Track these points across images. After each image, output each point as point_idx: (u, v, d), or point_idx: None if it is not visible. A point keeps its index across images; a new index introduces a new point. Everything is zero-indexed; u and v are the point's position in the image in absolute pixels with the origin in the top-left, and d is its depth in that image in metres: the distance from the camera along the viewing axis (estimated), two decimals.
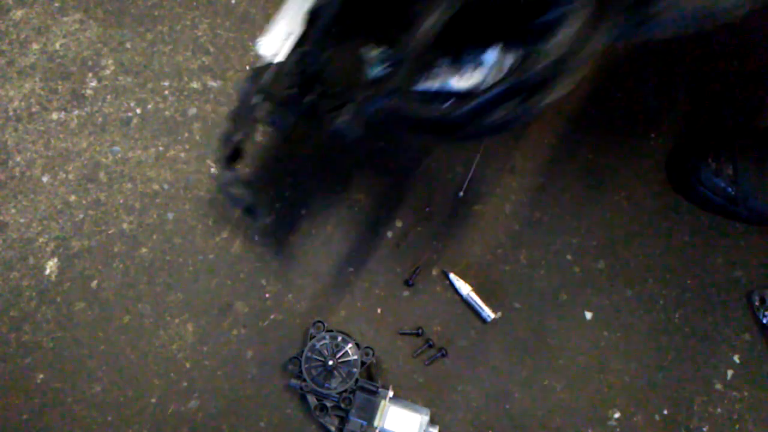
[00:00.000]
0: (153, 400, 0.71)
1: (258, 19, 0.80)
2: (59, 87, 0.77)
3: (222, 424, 0.71)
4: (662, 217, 0.78)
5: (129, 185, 0.75)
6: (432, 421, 0.70)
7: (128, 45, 0.79)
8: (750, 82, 0.82)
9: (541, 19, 0.45)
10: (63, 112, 0.76)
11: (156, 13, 0.80)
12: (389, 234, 0.76)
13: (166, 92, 0.78)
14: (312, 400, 0.69)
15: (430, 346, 0.74)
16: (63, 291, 0.73)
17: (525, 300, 0.75)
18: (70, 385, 0.71)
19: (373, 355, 0.70)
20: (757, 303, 0.75)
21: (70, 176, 0.75)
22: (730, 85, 0.82)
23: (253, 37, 0.80)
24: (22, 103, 0.76)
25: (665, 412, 0.74)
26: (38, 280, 0.73)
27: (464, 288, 0.74)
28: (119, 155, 0.76)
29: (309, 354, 0.69)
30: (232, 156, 0.60)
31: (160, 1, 0.80)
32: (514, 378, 0.74)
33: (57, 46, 0.78)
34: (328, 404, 0.69)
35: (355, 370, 0.68)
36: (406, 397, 0.72)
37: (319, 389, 0.68)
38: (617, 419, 0.74)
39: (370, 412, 0.68)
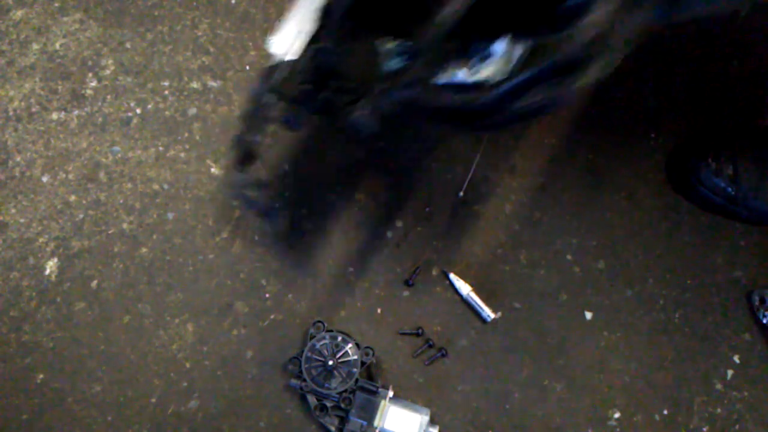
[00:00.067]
0: (153, 400, 0.71)
1: (258, 19, 0.80)
2: (59, 87, 0.77)
3: (222, 424, 0.71)
4: (662, 217, 0.78)
5: (129, 185, 0.75)
6: (432, 421, 0.70)
7: (128, 45, 0.79)
8: (750, 82, 0.82)
9: (571, 1, 0.44)
10: (63, 112, 0.76)
11: (156, 13, 0.80)
12: (389, 234, 0.76)
13: (166, 92, 0.78)
14: (312, 400, 0.69)
15: (430, 346, 0.74)
16: (63, 291, 0.73)
17: (525, 300, 0.75)
18: (70, 385, 0.71)
19: (373, 355, 0.70)
20: (757, 303, 0.75)
21: (70, 176, 0.75)
22: (730, 85, 0.82)
23: (253, 37, 0.80)
24: (22, 103, 0.76)
25: (665, 412, 0.74)
26: (38, 280, 0.73)
27: (464, 288, 0.74)
28: (119, 155, 0.76)
29: (309, 354, 0.69)
30: (245, 158, 0.59)
31: (160, 1, 0.80)
32: (514, 378, 0.74)
33: (57, 46, 0.78)
34: (328, 404, 0.69)
35: (355, 370, 0.68)
36: (406, 397, 0.72)
37: (319, 389, 0.68)
38: (617, 419, 0.74)
39: (370, 412, 0.68)
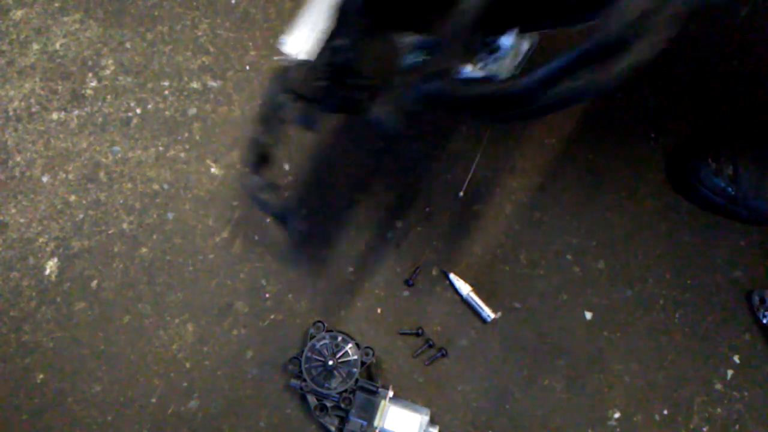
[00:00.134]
0: (153, 400, 0.71)
1: (258, 19, 0.80)
2: (59, 87, 0.77)
3: (222, 424, 0.71)
4: (662, 217, 0.78)
5: (129, 185, 0.75)
6: (432, 421, 0.70)
7: (128, 45, 0.79)
8: (750, 82, 0.82)
9: None
10: (63, 112, 0.76)
11: (156, 13, 0.80)
12: (389, 234, 0.76)
13: (166, 92, 0.78)
14: (312, 400, 0.69)
15: (430, 346, 0.74)
16: (63, 291, 0.73)
17: (525, 300, 0.75)
18: (70, 385, 0.71)
19: (373, 355, 0.70)
20: (757, 303, 0.75)
21: (70, 176, 0.75)
22: (730, 85, 0.82)
23: (253, 37, 0.80)
24: (22, 103, 0.76)
25: (665, 412, 0.74)
26: (38, 280, 0.73)
27: (464, 288, 0.74)
28: (119, 155, 0.76)
29: (309, 354, 0.69)
30: (260, 160, 0.58)
31: (160, 1, 0.80)
32: (514, 378, 0.74)
33: (57, 46, 0.78)
34: (328, 404, 0.69)
35: (355, 370, 0.68)
36: (406, 397, 0.72)
37: (319, 389, 0.68)
38: (617, 419, 0.74)
39: (370, 412, 0.68)
